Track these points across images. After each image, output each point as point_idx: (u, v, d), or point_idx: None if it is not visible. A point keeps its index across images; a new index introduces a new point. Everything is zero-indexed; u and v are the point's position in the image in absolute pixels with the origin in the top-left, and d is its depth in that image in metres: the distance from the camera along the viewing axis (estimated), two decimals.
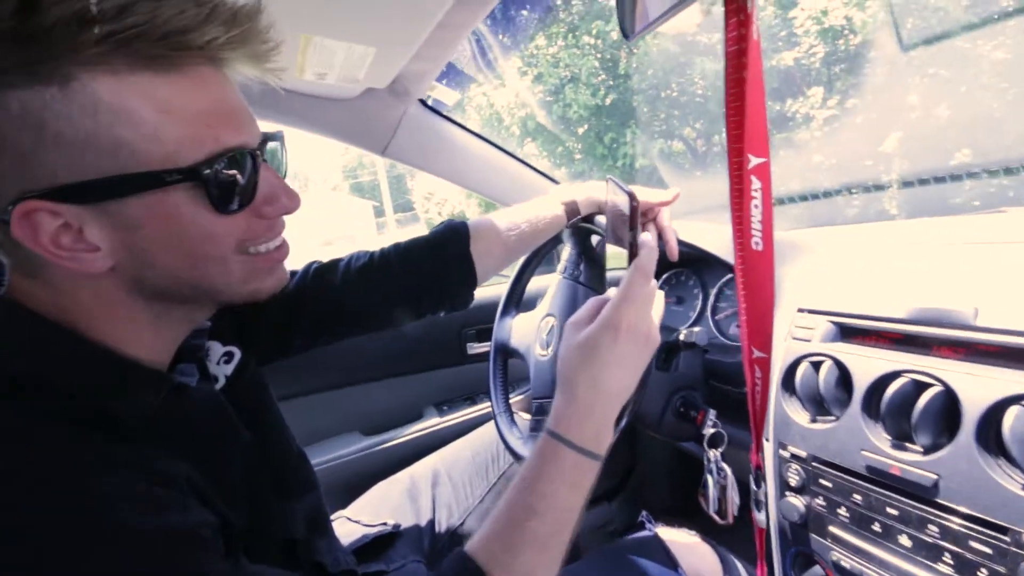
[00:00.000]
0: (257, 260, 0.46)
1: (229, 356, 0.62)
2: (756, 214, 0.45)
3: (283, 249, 0.49)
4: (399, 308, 0.79)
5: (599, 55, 7.45)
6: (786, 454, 0.72)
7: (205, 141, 0.38)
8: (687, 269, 1.09)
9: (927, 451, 0.57)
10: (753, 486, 0.58)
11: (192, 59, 0.37)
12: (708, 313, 1.03)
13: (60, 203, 0.36)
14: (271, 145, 0.46)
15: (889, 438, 0.60)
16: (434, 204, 13.28)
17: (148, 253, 0.40)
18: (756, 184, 0.44)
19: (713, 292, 1.03)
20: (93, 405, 0.41)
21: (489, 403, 1.37)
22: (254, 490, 0.54)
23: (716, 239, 0.96)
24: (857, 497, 0.62)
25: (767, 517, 0.64)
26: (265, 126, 0.45)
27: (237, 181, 0.40)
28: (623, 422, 0.72)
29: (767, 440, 0.77)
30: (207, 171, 0.38)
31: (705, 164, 7.14)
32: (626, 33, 0.57)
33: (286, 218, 0.48)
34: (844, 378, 0.66)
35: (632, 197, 0.51)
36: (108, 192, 0.37)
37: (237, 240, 0.43)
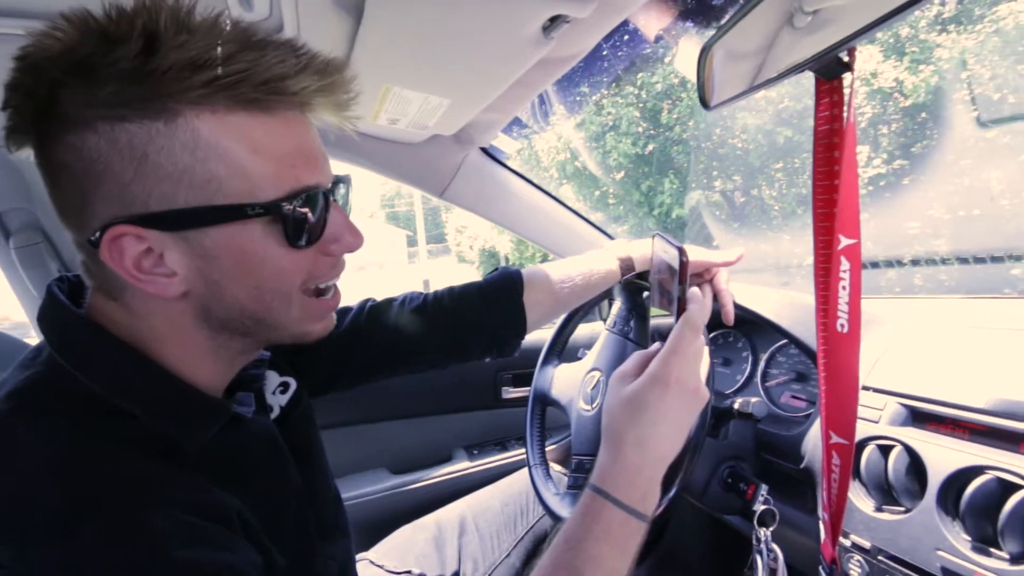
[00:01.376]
0: (314, 303, 0.47)
1: (285, 386, 0.62)
2: (844, 295, 0.43)
3: (336, 298, 0.51)
4: (448, 352, 0.79)
5: (641, 105, 7.59)
6: (846, 543, 0.67)
7: (286, 179, 0.41)
8: (736, 331, 1.06)
9: (1015, 559, 0.52)
10: None
11: (284, 104, 0.40)
12: (758, 379, 0.99)
13: (147, 229, 0.38)
14: (340, 187, 0.48)
15: (969, 539, 0.56)
16: (466, 238, 13.47)
17: (219, 283, 0.42)
18: (845, 265, 0.43)
19: (764, 357, 0.99)
20: (155, 429, 0.41)
21: (520, 451, 1.34)
22: (299, 530, 0.54)
23: (770, 303, 0.93)
24: None
25: None
26: (334, 165, 0.47)
27: (309, 218, 0.42)
28: (673, 490, 0.69)
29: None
30: (286, 207, 0.40)
31: (742, 216, 7.08)
32: (705, 103, 0.58)
33: None
34: (916, 467, 0.62)
35: (682, 252, 0.51)
36: (194, 221, 0.39)
37: (303, 276, 0.45)
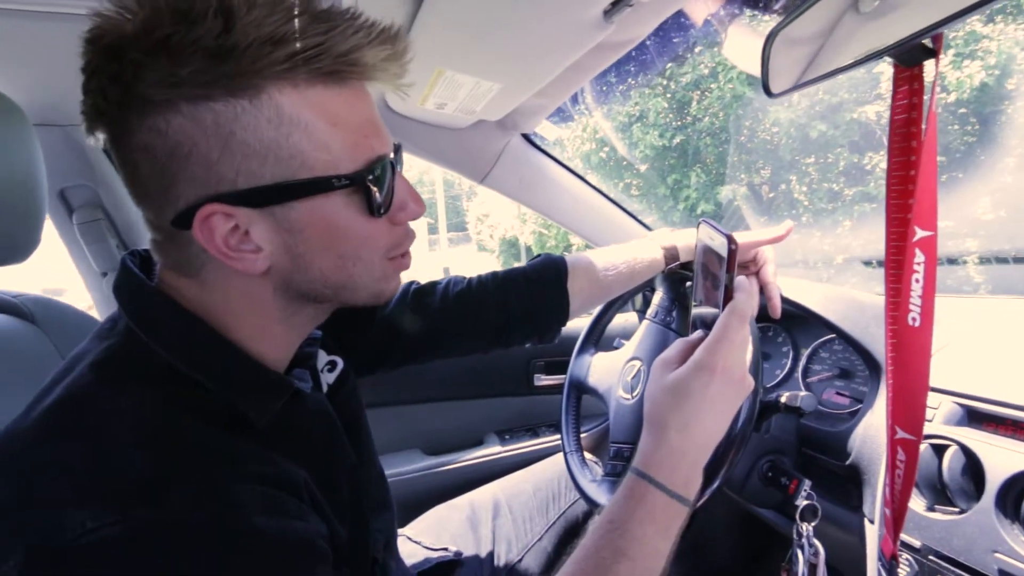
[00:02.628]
0: (391, 265, 0.48)
1: (332, 365, 0.63)
2: (917, 288, 0.43)
3: (410, 256, 0.51)
4: (491, 336, 0.79)
5: (669, 96, 7.45)
6: None
7: (363, 150, 0.41)
8: (777, 325, 1.05)
9: None
10: None
11: (356, 75, 0.40)
12: (799, 374, 0.98)
13: (236, 207, 0.39)
14: (399, 153, 0.48)
15: None
16: (487, 227, 13.48)
17: (304, 255, 0.42)
18: (920, 257, 0.42)
19: (806, 353, 0.98)
20: (226, 402, 0.43)
21: (551, 438, 1.35)
22: (355, 504, 0.55)
23: (817, 297, 0.92)
24: None
25: None
26: None
27: (384, 186, 0.43)
28: (717, 482, 0.69)
29: (871, 522, 0.72)
30: (369, 177, 0.41)
31: (770, 211, 6.92)
32: (769, 91, 0.57)
33: None
34: (973, 468, 0.61)
35: (731, 240, 0.49)
36: (281, 196, 0.39)
37: (384, 246, 0.46)
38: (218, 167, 0.38)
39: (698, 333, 0.55)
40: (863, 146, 5.94)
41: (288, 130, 0.38)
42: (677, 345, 0.54)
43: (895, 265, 0.44)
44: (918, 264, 0.43)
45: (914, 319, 0.43)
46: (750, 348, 0.52)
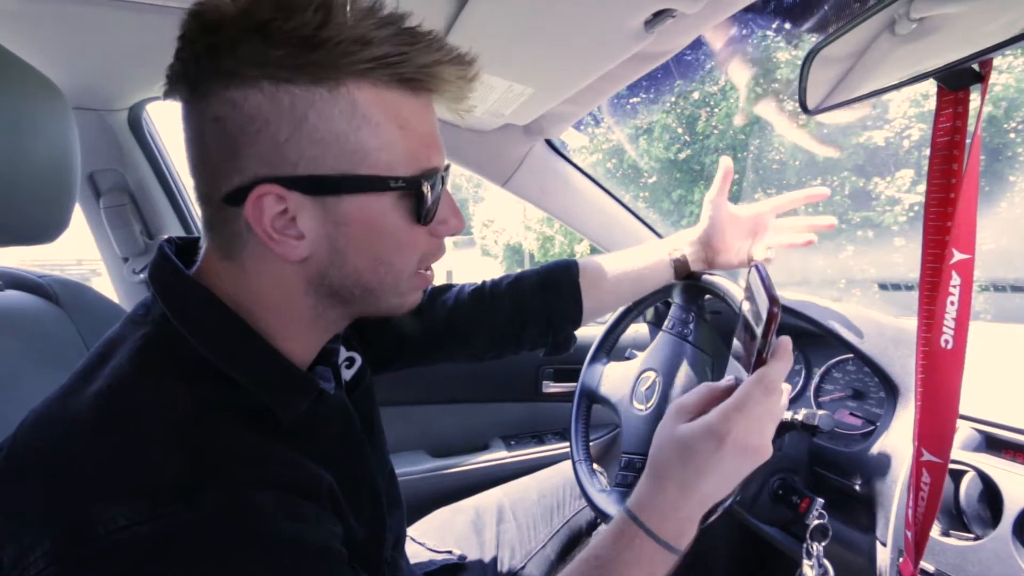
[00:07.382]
0: (417, 278, 0.49)
1: (351, 361, 0.64)
2: (951, 311, 0.43)
3: (432, 274, 0.52)
4: (504, 337, 0.80)
5: (678, 111, 7.52)
6: None
7: (421, 158, 0.43)
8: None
9: None
10: None
11: (427, 87, 0.42)
12: (811, 393, 0.98)
13: (291, 191, 0.40)
14: (447, 173, 0.49)
15: None
16: (492, 232, 13.53)
17: (342, 251, 0.43)
18: (956, 280, 0.43)
19: (819, 372, 0.98)
20: (256, 399, 0.43)
21: (557, 445, 1.35)
22: (374, 503, 0.55)
23: (834, 316, 0.92)
24: None
25: None
26: None
27: (432, 198, 0.44)
28: (730, 500, 0.69)
29: (883, 545, 0.71)
30: (423, 183, 0.43)
31: None
32: (805, 108, 0.57)
33: None
34: (990, 494, 0.61)
35: (773, 302, 0.44)
36: (337, 187, 0.40)
37: (419, 255, 0.47)
38: (284, 148, 0.39)
39: (729, 380, 0.51)
40: (869, 171, 5.99)
41: (358, 124, 0.40)
42: (700, 391, 0.52)
43: (930, 286, 0.45)
44: (954, 286, 0.43)
45: (947, 341, 0.44)
46: (780, 412, 0.48)
